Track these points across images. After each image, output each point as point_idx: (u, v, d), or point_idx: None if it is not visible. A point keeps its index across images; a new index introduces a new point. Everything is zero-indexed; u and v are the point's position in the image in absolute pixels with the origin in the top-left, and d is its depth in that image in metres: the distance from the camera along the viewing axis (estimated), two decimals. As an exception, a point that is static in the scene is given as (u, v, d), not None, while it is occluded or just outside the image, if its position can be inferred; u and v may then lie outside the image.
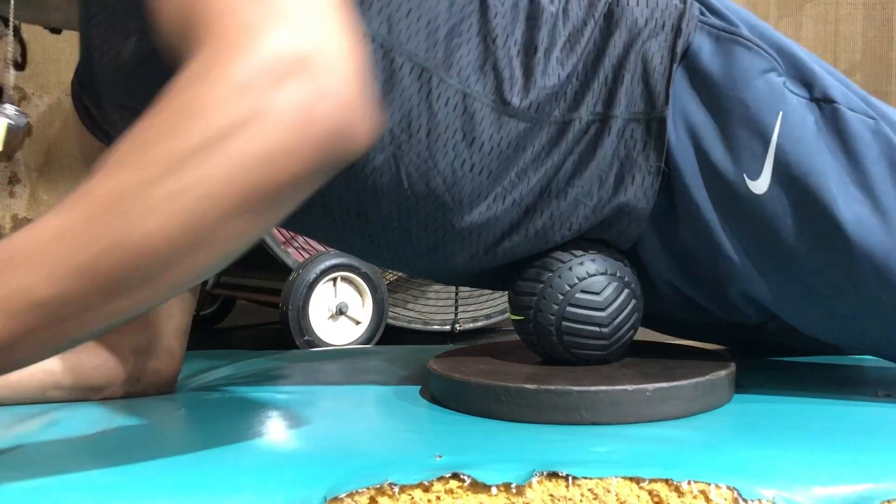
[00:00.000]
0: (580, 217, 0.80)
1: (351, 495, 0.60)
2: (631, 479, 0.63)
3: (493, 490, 0.62)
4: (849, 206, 0.74)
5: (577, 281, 0.80)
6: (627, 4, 0.79)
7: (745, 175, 0.76)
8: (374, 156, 0.76)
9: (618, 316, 0.80)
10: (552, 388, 0.74)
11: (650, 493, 0.63)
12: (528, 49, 0.77)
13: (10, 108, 0.92)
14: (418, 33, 0.75)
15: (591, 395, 0.74)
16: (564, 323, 0.80)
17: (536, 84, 0.77)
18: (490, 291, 2.44)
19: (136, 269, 0.51)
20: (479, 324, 2.24)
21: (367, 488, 0.61)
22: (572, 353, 0.81)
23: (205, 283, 2.01)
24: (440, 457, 0.64)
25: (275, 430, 0.76)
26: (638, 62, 0.78)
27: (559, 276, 0.80)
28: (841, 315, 0.79)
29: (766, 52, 0.78)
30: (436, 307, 2.31)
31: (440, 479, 0.62)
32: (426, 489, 0.62)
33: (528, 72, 0.77)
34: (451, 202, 0.78)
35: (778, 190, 0.75)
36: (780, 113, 0.75)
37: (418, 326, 2.10)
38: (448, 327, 2.14)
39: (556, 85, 0.77)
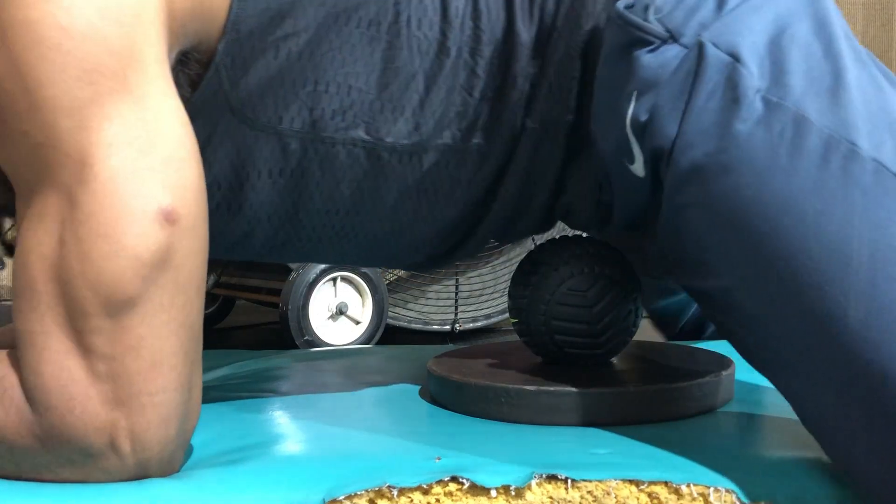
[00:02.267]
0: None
1: (349, 498, 0.60)
2: (630, 481, 0.63)
3: (493, 493, 0.62)
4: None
5: (562, 280, 0.80)
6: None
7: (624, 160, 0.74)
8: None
9: (606, 314, 0.80)
10: (551, 389, 0.74)
11: (650, 495, 0.63)
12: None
13: None
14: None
15: (591, 396, 0.74)
16: (554, 322, 0.80)
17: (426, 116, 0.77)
18: (490, 291, 2.44)
19: None
20: (479, 324, 2.24)
21: (366, 491, 0.61)
22: (565, 352, 0.81)
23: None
24: (439, 459, 0.64)
25: (273, 431, 0.76)
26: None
27: (545, 277, 0.81)
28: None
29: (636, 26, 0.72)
30: (436, 307, 2.32)
31: (439, 481, 0.62)
32: (425, 492, 0.62)
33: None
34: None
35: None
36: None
37: (418, 326, 2.10)
38: (448, 327, 2.14)
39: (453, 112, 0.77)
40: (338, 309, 2.13)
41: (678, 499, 0.62)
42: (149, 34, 0.61)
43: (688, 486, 0.63)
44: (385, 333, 2.03)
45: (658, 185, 0.71)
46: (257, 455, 0.67)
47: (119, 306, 0.57)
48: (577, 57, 0.74)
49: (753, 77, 0.65)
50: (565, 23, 0.74)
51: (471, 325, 2.24)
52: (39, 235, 0.58)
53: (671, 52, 0.69)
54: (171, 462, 0.61)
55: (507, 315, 0.86)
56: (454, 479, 0.62)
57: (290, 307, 2.10)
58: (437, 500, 0.62)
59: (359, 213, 0.78)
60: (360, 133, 0.73)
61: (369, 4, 0.71)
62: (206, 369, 1.04)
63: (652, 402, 0.75)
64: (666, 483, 0.63)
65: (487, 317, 2.51)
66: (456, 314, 2.30)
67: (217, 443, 0.69)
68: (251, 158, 0.72)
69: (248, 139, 0.71)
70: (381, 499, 0.61)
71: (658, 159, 0.69)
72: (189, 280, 0.60)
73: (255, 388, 0.92)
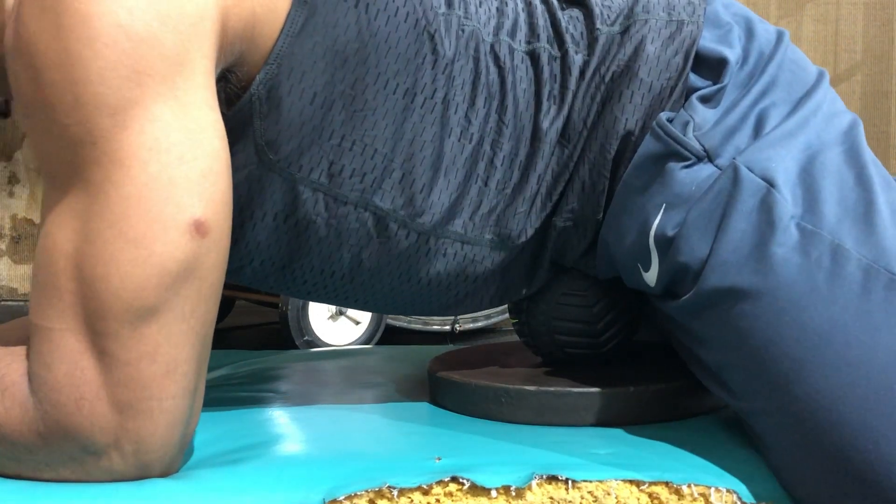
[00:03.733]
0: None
1: (349, 498, 0.60)
2: (631, 481, 0.63)
3: (493, 493, 0.62)
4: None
5: (563, 280, 0.80)
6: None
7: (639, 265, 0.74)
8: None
9: (607, 314, 0.80)
10: (552, 389, 0.74)
11: (650, 495, 0.63)
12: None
13: None
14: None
15: (591, 397, 0.74)
16: (554, 322, 0.80)
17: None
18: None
19: None
20: (479, 324, 2.24)
21: (366, 491, 0.61)
22: (566, 351, 0.81)
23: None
24: (439, 459, 0.64)
25: (273, 431, 0.76)
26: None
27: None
28: None
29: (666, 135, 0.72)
30: (436, 307, 2.31)
31: (439, 482, 0.62)
32: (425, 492, 0.61)
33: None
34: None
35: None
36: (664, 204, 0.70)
37: (418, 326, 2.10)
38: (448, 327, 2.14)
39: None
40: (338, 309, 2.13)
41: (679, 499, 0.62)
42: (203, 46, 0.61)
43: (689, 486, 0.62)
44: (385, 333, 2.03)
45: (669, 297, 0.71)
46: (257, 455, 0.67)
47: (140, 314, 0.57)
48: (610, 159, 0.73)
49: (787, 203, 0.66)
50: (599, 122, 0.74)
51: (471, 325, 2.24)
52: (64, 232, 0.58)
53: (706, 172, 0.69)
54: (172, 464, 0.61)
55: (507, 315, 0.86)
56: (454, 480, 0.62)
57: (289, 307, 2.10)
58: (438, 501, 0.61)
59: (353, 281, 0.76)
60: (375, 199, 0.72)
61: (409, 73, 0.70)
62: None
63: (652, 403, 0.74)
64: (667, 483, 0.63)
65: (487, 317, 2.51)
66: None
67: (217, 443, 0.69)
68: (260, 197, 0.70)
69: (262, 177, 0.70)
70: (381, 499, 0.61)
71: (680, 275, 0.69)
72: (210, 291, 0.61)
73: (255, 388, 0.92)
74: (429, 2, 0.71)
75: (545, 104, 0.74)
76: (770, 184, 0.66)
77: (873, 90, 2.83)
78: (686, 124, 0.70)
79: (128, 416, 0.58)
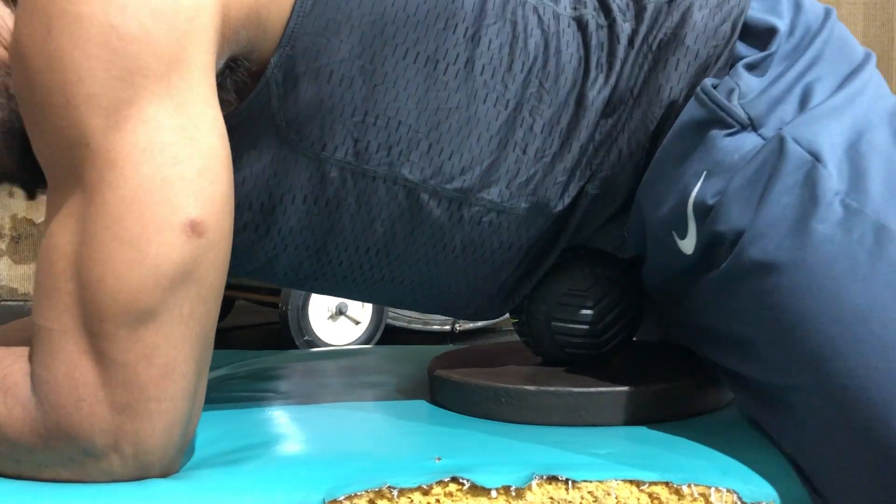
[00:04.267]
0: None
1: (349, 498, 0.60)
2: (631, 481, 0.63)
3: (493, 493, 0.62)
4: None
5: (563, 280, 0.80)
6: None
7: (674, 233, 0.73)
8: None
9: (608, 314, 0.80)
10: (552, 389, 0.74)
11: (650, 495, 0.62)
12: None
13: None
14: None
15: (591, 396, 0.74)
16: (554, 322, 0.80)
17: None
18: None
19: None
20: (479, 324, 2.24)
21: (366, 491, 0.61)
22: (565, 351, 0.81)
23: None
24: (439, 459, 0.64)
25: (273, 431, 0.76)
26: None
27: (546, 277, 0.80)
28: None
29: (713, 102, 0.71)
30: (436, 307, 2.31)
31: (439, 482, 0.62)
32: (425, 492, 0.61)
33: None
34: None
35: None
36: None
37: (418, 326, 2.10)
38: (448, 327, 2.14)
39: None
40: (337, 309, 2.13)
41: (679, 499, 0.62)
42: (200, 41, 0.60)
43: (689, 486, 0.62)
44: (385, 333, 2.03)
45: (704, 266, 0.71)
46: (257, 455, 0.67)
47: (136, 316, 0.57)
48: (651, 129, 0.73)
49: (832, 179, 0.65)
50: (644, 91, 0.73)
51: (471, 324, 2.24)
52: (64, 234, 0.58)
53: (749, 141, 0.68)
54: (171, 465, 0.61)
55: (507, 315, 0.86)
56: (454, 480, 0.62)
57: (289, 307, 2.10)
58: (438, 501, 0.61)
59: (388, 256, 0.76)
60: (404, 171, 0.71)
61: (429, 40, 0.69)
62: (205, 369, 1.04)
63: (653, 403, 0.74)
64: (667, 483, 0.63)
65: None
66: (456, 314, 2.30)
67: (217, 443, 0.69)
68: (288, 181, 0.70)
69: (287, 161, 0.69)
70: (381, 499, 0.61)
71: (717, 244, 0.69)
72: (210, 292, 0.60)
73: (255, 388, 0.92)
74: None
75: (593, 72, 0.73)
76: (816, 158, 0.66)
77: (873, 90, 2.83)
78: (731, 91, 0.70)
79: (126, 418, 0.58)
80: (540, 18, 0.73)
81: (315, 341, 1.96)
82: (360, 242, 0.74)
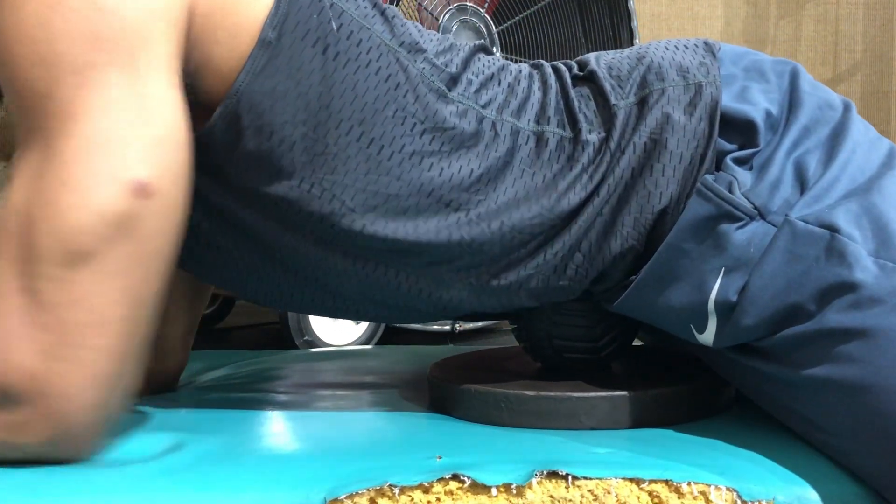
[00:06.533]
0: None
1: (351, 497, 0.60)
2: (631, 479, 0.63)
3: (493, 491, 0.62)
4: None
5: None
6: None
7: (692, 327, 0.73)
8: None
9: (605, 319, 0.80)
10: (551, 394, 0.74)
11: (650, 493, 0.63)
12: None
13: None
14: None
15: (591, 401, 0.74)
16: (553, 328, 0.80)
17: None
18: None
19: None
20: (479, 324, 2.24)
21: (367, 490, 0.61)
22: (565, 357, 0.81)
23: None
24: (440, 457, 0.64)
25: (274, 431, 0.76)
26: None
27: None
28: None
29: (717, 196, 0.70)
30: (436, 307, 2.31)
31: (440, 480, 0.62)
32: (426, 490, 0.62)
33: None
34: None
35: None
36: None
37: (418, 326, 2.09)
38: (448, 327, 2.14)
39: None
40: (338, 309, 2.11)
41: (679, 497, 0.62)
42: (168, 31, 0.63)
43: (688, 484, 0.63)
44: (385, 333, 2.03)
45: (731, 350, 0.71)
46: (259, 454, 0.67)
47: (73, 258, 0.58)
48: (645, 234, 0.72)
49: (857, 242, 0.65)
50: (631, 197, 0.72)
51: (470, 324, 2.24)
52: (22, 181, 0.60)
53: (761, 230, 0.68)
54: (89, 432, 0.61)
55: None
56: (455, 478, 0.62)
57: (290, 307, 2.09)
58: (438, 499, 0.62)
59: (325, 287, 0.75)
60: (335, 243, 0.71)
61: (375, 123, 0.69)
62: (206, 369, 1.05)
63: (653, 407, 0.74)
64: (666, 481, 0.63)
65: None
66: (456, 314, 2.29)
67: (217, 443, 0.69)
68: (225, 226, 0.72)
69: (225, 198, 0.70)
70: (382, 497, 0.61)
71: (746, 334, 0.69)
72: (151, 257, 0.61)
73: (255, 388, 0.92)
74: (419, 70, 0.70)
75: (562, 184, 0.72)
76: (832, 229, 0.66)
77: (873, 90, 2.83)
78: (731, 184, 0.70)
79: (48, 361, 0.58)
80: (497, 134, 0.72)
81: (315, 341, 1.95)
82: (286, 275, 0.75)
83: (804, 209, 0.68)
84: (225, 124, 0.67)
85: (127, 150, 0.60)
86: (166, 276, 0.64)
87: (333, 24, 0.68)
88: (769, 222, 0.68)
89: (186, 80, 0.66)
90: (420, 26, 0.76)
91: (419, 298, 0.76)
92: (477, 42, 0.78)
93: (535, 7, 1.68)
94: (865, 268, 0.64)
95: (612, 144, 0.73)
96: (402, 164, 0.70)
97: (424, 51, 0.72)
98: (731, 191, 0.69)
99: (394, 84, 0.69)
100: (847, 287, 0.64)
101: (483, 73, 0.75)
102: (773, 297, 0.67)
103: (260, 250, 0.73)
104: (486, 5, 1.56)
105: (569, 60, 0.80)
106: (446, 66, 0.73)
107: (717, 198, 0.69)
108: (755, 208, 0.69)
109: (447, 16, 1.54)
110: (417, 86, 0.70)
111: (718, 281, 0.69)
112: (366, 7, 0.71)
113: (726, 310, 0.69)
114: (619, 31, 1.88)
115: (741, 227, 0.69)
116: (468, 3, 1.56)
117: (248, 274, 0.76)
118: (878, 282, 0.64)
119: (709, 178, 0.70)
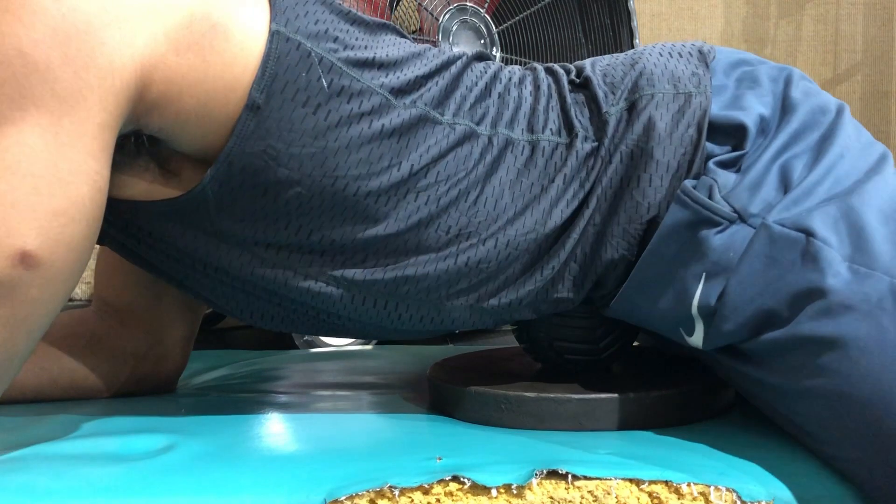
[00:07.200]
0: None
1: (350, 498, 0.60)
2: (631, 480, 0.63)
3: (493, 492, 0.62)
4: None
5: None
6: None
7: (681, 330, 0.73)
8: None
9: (606, 321, 0.80)
10: (551, 395, 0.74)
11: (650, 494, 0.63)
12: None
13: None
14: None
15: (591, 403, 0.73)
16: (554, 330, 0.80)
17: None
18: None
19: None
20: (479, 324, 2.24)
21: (367, 491, 0.61)
22: (565, 358, 0.81)
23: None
24: (440, 458, 0.64)
25: (274, 432, 0.76)
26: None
27: None
28: None
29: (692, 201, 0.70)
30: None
31: (440, 481, 0.62)
32: (426, 492, 0.62)
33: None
34: None
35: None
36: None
37: (418, 327, 2.09)
38: (448, 327, 2.14)
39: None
40: (338, 309, 2.11)
41: (679, 498, 0.62)
42: (105, 99, 0.61)
43: (688, 485, 0.63)
44: (385, 333, 2.02)
45: (720, 352, 0.71)
46: (258, 455, 0.67)
47: None
48: (635, 243, 0.72)
49: (832, 247, 0.65)
50: (620, 207, 0.72)
51: (471, 325, 2.24)
52: None
53: (741, 234, 0.68)
54: None
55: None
56: (455, 479, 0.62)
57: (290, 307, 2.08)
58: (438, 501, 0.62)
59: (318, 316, 0.76)
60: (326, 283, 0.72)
61: (371, 176, 0.69)
62: (205, 369, 1.05)
63: (653, 409, 0.74)
64: (666, 482, 0.63)
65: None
66: (456, 314, 2.29)
67: (216, 443, 0.69)
68: (217, 255, 0.72)
69: (220, 246, 0.71)
70: (382, 499, 0.61)
71: (729, 338, 0.69)
72: (23, 322, 0.61)
73: (255, 388, 0.92)
74: (411, 115, 0.70)
75: (554, 194, 0.73)
76: (808, 233, 0.65)
77: (873, 90, 2.83)
78: (711, 188, 0.69)
79: None
80: (492, 148, 0.73)
81: (315, 341, 1.95)
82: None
83: (783, 212, 0.67)
84: (217, 185, 0.67)
85: (20, 218, 0.59)
86: (38, 338, 0.64)
87: (324, 80, 0.67)
88: (749, 225, 0.68)
89: (159, 136, 0.66)
90: (411, 43, 0.75)
91: (421, 323, 0.76)
92: (473, 52, 0.78)
93: (535, 7, 1.67)
94: (837, 273, 0.64)
95: (603, 152, 0.73)
96: (397, 207, 0.70)
97: (418, 88, 0.71)
98: (711, 194, 0.69)
99: (387, 133, 0.69)
100: (817, 293, 0.64)
101: (476, 84, 0.75)
102: (749, 301, 0.67)
103: (248, 290, 0.74)
104: (486, 5, 1.56)
105: (567, 64, 0.80)
106: (439, 94, 0.72)
107: (695, 203, 0.69)
108: (734, 211, 0.69)
109: (447, 16, 1.54)
110: (412, 126, 0.70)
111: (700, 286, 0.69)
112: (356, 53, 0.69)
113: (709, 314, 0.69)
114: (619, 30, 1.88)
115: (720, 231, 0.69)
116: (468, 3, 1.56)
117: (241, 302, 0.76)
118: (849, 287, 0.63)
119: (688, 183, 0.70)
